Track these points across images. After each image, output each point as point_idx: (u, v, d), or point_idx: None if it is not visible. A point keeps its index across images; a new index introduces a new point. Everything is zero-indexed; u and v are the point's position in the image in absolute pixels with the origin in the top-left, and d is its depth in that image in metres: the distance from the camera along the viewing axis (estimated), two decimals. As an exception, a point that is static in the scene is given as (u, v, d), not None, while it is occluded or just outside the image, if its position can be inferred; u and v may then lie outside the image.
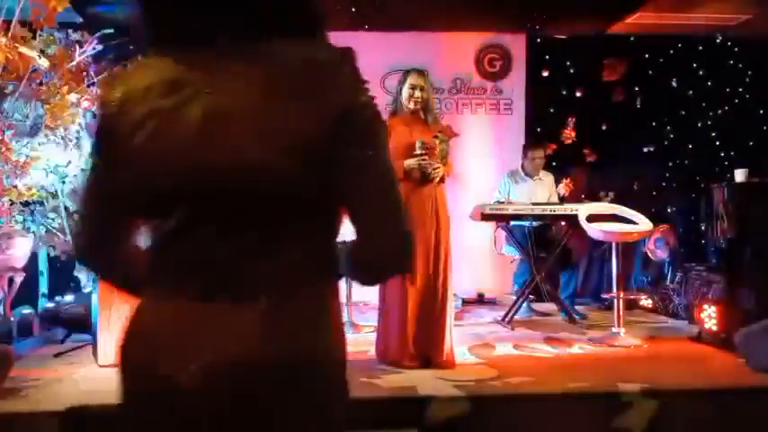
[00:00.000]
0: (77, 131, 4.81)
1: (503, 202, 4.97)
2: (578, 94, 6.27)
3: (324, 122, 0.84)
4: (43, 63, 3.76)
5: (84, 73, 4.71)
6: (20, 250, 4.08)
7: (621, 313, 4.08)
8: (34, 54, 3.64)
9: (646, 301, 5.27)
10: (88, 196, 1.00)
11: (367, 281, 0.99)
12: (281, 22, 0.89)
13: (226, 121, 0.84)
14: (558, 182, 5.49)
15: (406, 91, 3.46)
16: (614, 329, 4.06)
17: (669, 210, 6.17)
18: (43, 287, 4.93)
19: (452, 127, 3.71)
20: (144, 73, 0.91)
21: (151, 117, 0.87)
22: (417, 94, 3.44)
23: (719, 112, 6.45)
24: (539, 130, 6.18)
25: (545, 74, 6.28)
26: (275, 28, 0.88)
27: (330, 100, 0.85)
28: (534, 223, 4.81)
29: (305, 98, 0.84)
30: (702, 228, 5.01)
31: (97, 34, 4.70)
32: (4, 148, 3.89)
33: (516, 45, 6.25)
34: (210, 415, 0.84)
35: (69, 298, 4.43)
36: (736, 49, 6.43)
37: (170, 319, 0.88)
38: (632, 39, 6.29)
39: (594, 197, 5.43)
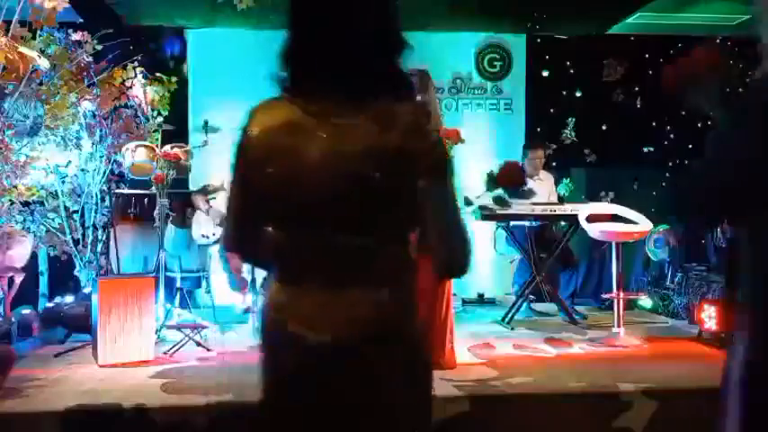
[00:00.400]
0: (77, 131, 4.81)
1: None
2: (578, 94, 6.27)
3: (403, 159, 1.16)
4: (43, 63, 3.76)
5: (85, 73, 4.72)
6: (20, 250, 4.08)
7: (621, 313, 4.08)
8: (34, 54, 3.64)
9: (646, 301, 5.27)
10: (230, 207, 1.31)
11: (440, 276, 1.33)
12: (382, 88, 1.20)
13: (334, 159, 1.16)
14: (557, 182, 5.48)
15: None
16: (614, 329, 4.06)
17: (669, 210, 6.17)
18: (43, 287, 4.92)
19: (459, 131, 3.68)
20: (275, 113, 1.22)
21: (278, 151, 1.19)
22: (417, 97, 3.42)
23: (719, 111, 6.43)
24: (539, 130, 6.18)
25: (545, 74, 6.28)
26: (377, 92, 1.19)
27: (409, 143, 1.16)
28: (534, 223, 4.81)
29: (392, 142, 1.16)
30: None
31: (98, 34, 4.70)
32: (4, 148, 3.89)
33: (516, 45, 6.26)
34: (331, 363, 1.17)
35: (69, 298, 4.44)
36: (736, 50, 6.41)
37: (300, 297, 1.21)
38: (632, 39, 6.28)
39: (594, 197, 5.43)
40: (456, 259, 1.24)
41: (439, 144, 1.24)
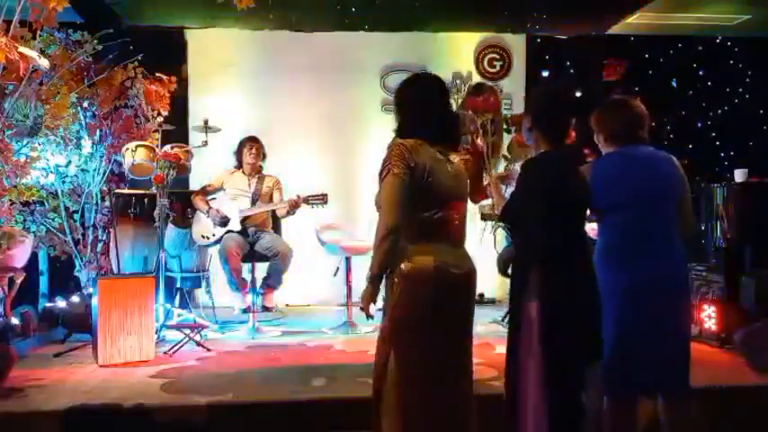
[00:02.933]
0: (77, 131, 4.81)
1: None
2: (578, 94, 6.27)
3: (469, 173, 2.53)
4: (43, 63, 3.76)
5: (85, 73, 4.72)
6: (20, 250, 4.08)
7: (621, 313, 4.07)
8: (34, 54, 3.64)
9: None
10: (397, 199, 2.16)
11: None
12: (458, 141, 2.47)
13: (457, 174, 2.28)
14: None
15: None
16: (614, 329, 4.05)
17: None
18: (43, 287, 4.93)
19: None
20: (421, 149, 2.18)
21: (433, 168, 2.18)
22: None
23: (719, 112, 6.45)
24: (538, 130, 6.17)
25: (545, 74, 6.28)
26: (456, 143, 2.43)
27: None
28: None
29: (468, 166, 2.58)
30: (702, 228, 5.00)
31: (98, 34, 4.71)
32: (4, 148, 3.89)
33: (516, 45, 6.26)
34: (466, 287, 2.28)
35: (70, 298, 4.44)
36: (736, 50, 6.43)
37: (444, 251, 2.21)
38: (632, 39, 6.29)
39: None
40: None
41: None
